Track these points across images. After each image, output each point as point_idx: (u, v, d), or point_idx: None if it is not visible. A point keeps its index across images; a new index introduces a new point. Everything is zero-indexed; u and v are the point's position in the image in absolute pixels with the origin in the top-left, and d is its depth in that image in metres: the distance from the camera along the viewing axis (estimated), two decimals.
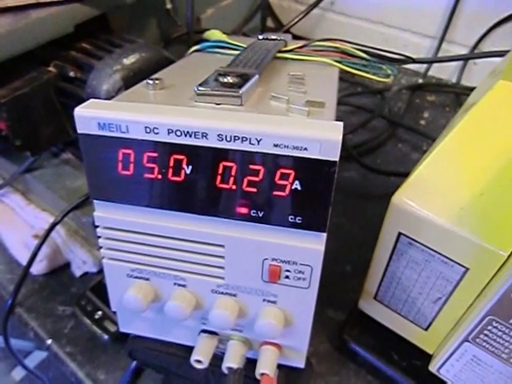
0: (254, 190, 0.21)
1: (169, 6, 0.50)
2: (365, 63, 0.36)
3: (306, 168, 0.19)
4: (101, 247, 0.25)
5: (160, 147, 0.21)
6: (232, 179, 0.21)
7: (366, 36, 0.69)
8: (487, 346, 0.25)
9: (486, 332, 0.24)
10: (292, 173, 0.20)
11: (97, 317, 0.37)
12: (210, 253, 0.23)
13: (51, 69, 0.39)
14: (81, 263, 0.42)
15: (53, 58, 0.40)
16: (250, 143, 0.19)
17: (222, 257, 0.23)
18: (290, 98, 0.23)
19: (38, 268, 0.41)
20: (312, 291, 0.23)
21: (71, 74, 0.39)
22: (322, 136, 0.19)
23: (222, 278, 0.24)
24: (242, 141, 0.19)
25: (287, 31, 0.65)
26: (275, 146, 0.19)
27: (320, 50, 0.36)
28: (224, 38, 0.39)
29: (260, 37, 0.37)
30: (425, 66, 0.64)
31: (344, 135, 0.58)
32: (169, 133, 0.20)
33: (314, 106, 0.23)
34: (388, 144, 0.56)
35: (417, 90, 0.63)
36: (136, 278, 0.26)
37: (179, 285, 0.25)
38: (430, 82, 0.64)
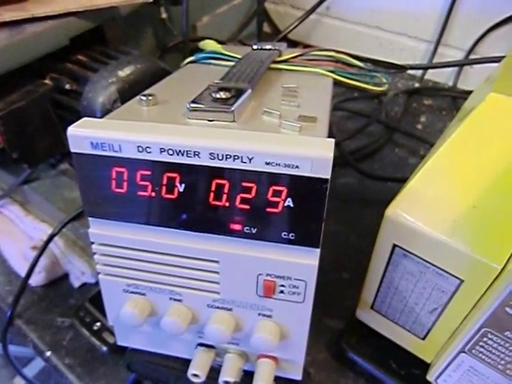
0: (247, 207, 0.21)
1: (164, 15, 0.50)
2: (359, 72, 0.36)
3: (298, 185, 0.19)
4: (97, 263, 0.25)
5: (153, 166, 0.21)
6: (225, 196, 0.21)
7: (362, 41, 0.69)
8: (483, 357, 0.25)
9: (481, 343, 0.24)
10: (284, 190, 0.20)
11: (95, 328, 0.37)
12: (205, 268, 0.23)
13: (47, 81, 0.39)
14: (79, 274, 0.42)
15: (49, 71, 0.40)
16: (242, 161, 0.19)
17: (216, 272, 0.23)
18: (282, 113, 0.23)
19: (36, 279, 0.41)
20: (307, 305, 0.23)
21: (67, 86, 0.39)
22: (313, 154, 0.19)
23: (218, 293, 0.24)
24: (234, 159, 0.19)
25: (284, 37, 0.65)
26: (267, 163, 0.19)
27: (314, 60, 0.36)
28: (219, 48, 0.39)
29: (254, 47, 0.37)
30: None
31: (341, 141, 0.58)
32: (161, 152, 0.20)
33: (306, 121, 0.23)
34: (385, 149, 0.56)
35: (413, 94, 0.63)
36: (132, 293, 0.26)
37: (175, 299, 0.25)
38: (427, 86, 0.64)
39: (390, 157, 0.55)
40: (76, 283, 0.42)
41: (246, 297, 0.24)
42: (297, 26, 0.62)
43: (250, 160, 0.19)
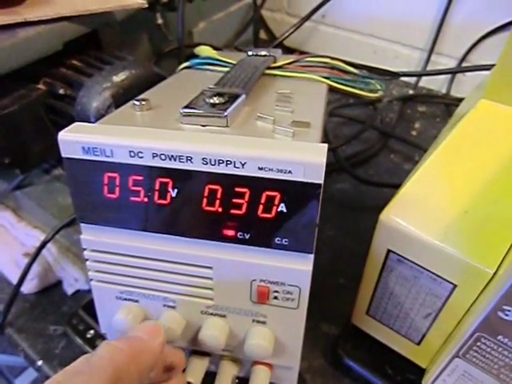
0: (240, 212, 0.21)
1: (160, 21, 0.50)
2: (354, 79, 0.36)
3: (291, 190, 0.19)
4: (89, 270, 0.25)
5: (145, 171, 0.21)
6: (218, 202, 0.21)
7: (356, 48, 0.69)
8: (477, 361, 0.25)
9: (475, 348, 0.24)
10: (277, 195, 0.20)
11: (89, 336, 0.37)
12: (198, 274, 0.23)
13: (41, 86, 0.39)
14: (73, 281, 0.42)
15: (42, 75, 0.40)
16: (235, 166, 0.19)
17: (210, 278, 0.23)
18: (276, 118, 0.23)
19: (28, 287, 0.41)
20: (301, 311, 0.23)
21: (61, 91, 0.39)
22: (305, 159, 0.19)
23: (211, 299, 0.24)
24: (227, 164, 0.19)
25: (280, 43, 0.65)
26: (260, 169, 0.19)
27: (309, 66, 0.37)
28: (214, 54, 0.39)
29: (249, 53, 0.37)
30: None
31: (337, 147, 0.58)
32: (153, 157, 0.20)
33: (300, 126, 0.23)
34: (380, 155, 0.57)
35: (408, 100, 0.63)
36: (125, 299, 0.25)
37: (168, 306, 0.25)
38: (421, 93, 0.64)
39: (386, 163, 0.55)
40: (69, 290, 0.42)
41: (240, 303, 0.24)
42: (292, 32, 0.63)
43: (243, 165, 0.19)
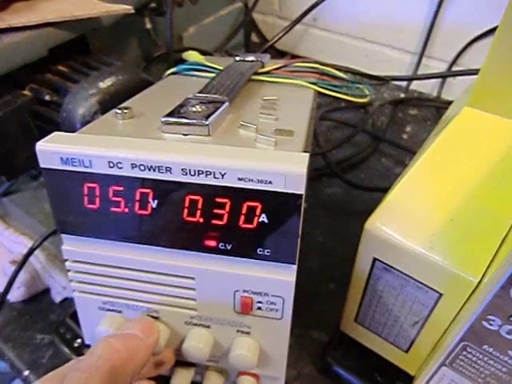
0: (221, 222, 0.20)
1: (148, 25, 0.49)
2: (342, 84, 0.36)
3: (272, 201, 0.19)
4: (71, 280, 0.25)
5: (125, 181, 0.20)
6: (199, 212, 0.20)
7: (348, 51, 0.69)
8: (463, 370, 0.25)
9: (461, 357, 0.24)
10: (258, 206, 0.19)
11: (76, 345, 0.36)
12: (181, 285, 0.23)
13: (26, 92, 0.39)
14: (60, 289, 0.41)
15: (28, 81, 0.39)
16: (215, 177, 0.19)
17: (193, 289, 0.23)
18: (259, 126, 0.23)
19: (15, 295, 0.40)
20: (285, 322, 0.23)
21: (47, 97, 0.38)
22: (286, 169, 0.18)
23: (195, 310, 0.24)
24: (207, 175, 0.19)
25: (271, 46, 0.65)
26: (240, 179, 0.19)
27: (297, 71, 0.36)
28: (201, 59, 0.39)
29: (237, 58, 0.37)
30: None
31: (327, 151, 0.57)
32: (132, 167, 0.20)
33: (283, 134, 0.22)
34: (371, 158, 0.56)
35: (399, 104, 0.63)
36: (108, 310, 0.25)
37: (152, 317, 0.25)
38: (412, 97, 0.64)
39: (377, 166, 0.55)
40: (57, 298, 0.41)
41: (224, 313, 0.23)
42: (283, 36, 0.62)
43: (223, 176, 0.19)
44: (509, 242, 0.21)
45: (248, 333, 0.24)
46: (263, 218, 0.20)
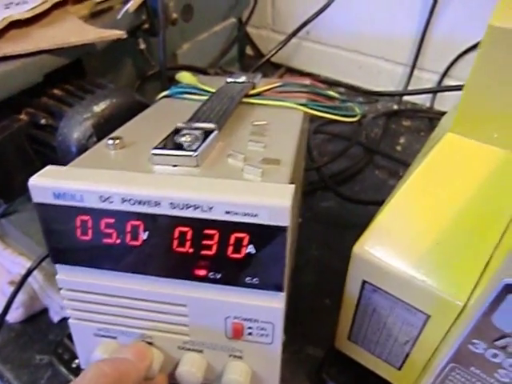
0: (211, 253, 0.21)
1: (142, 46, 0.50)
2: (331, 104, 0.36)
3: (258, 233, 0.20)
4: (66, 308, 0.25)
5: (116, 214, 0.21)
6: (188, 243, 0.21)
7: (342, 64, 0.70)
8: None
9: (450, 378, 0.24)
10: (245, 237, 0.20)
11: (74, 366, 0.37)
12: (173, 312, 0.23)
13: (23, 116, 0.40)
14: (58, 308, 0.42)
15: (24, 106, 0.40)
16: (202, 210, 0.20)
17: (185, 315, 0.23)
18: (247, 155, 0.24)
19: (14, 316, 0.41)
20: (275, 346, 0.23)
21: (43, 121, 0.39)
22: (270, 202, 0.19)
23: (188, 335, 0.24)
24: (194, 208, 0.20)
25: (267, 60, 0.66)
26: (227, 212, 0.19)
27: (288, 92, 0.37)
28: (194, 81, 0.39)
29: (228, 80, 0.37)
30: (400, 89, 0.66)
31: (322, 165, 0.58)
32: (123, 201, 0.20)
33: (270, 163, 0.23)
34: (366, 171, 0.57)
35: (392, 116, 0.64)
36: (103, 336, 0.26)
37: (146, 342, 0.25)
38: (405, 108, 0.65)
39: (371, 179, 0.56)
40: (55, 318, 0.42)
41: (216, 339, 0.24)
42: (277, 51, 0.63)
43: (210, 209, 0.20)
44: (491, 266, 0.21)
45: (240, 357, 0.24)
46: (250, 248, 0.20)
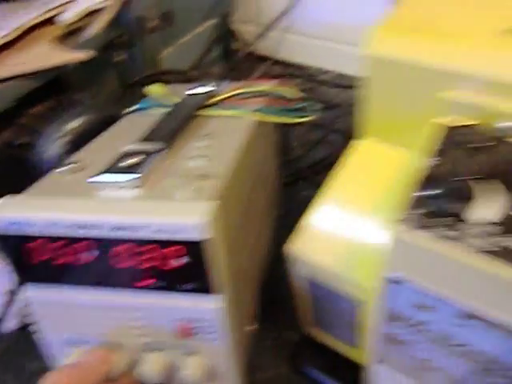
0: (150, 265, 0.24)
1: (117, 58, 0.52)
2: (287, 107, 0.38)
3: (185, 247, 0.22)
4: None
5: (64, 238, 0.24)
6: (132, 259, 0.24)
7: (328, 54, 0.71)
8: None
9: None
10: (176, 250, 0.23)
11: None
12: (131, 317, 0.26)
13: None
14: None
15: (0, 126, 0.43)
16: (134, 231, 0.22)
17: (140, 319, 0.26)
18: (185, 173, 0.26)
19: (10, 325, 0.43)
20: (224, 342, 0.26)
21: (20, 140, 0.42)
22: (190, 221, 0.22)
23: (146, 337, 0.27)
24: (126, 230, 0.22)
25: (251, 53, 0.67)
26: (155, 231, 0.22)
27: (246, 98, 0.39)
28: (162, 93, 0.41)
29: (188, 92, 0.39)
30: None
31: (300, 157, 0.59)
32: (67, 227, 0.23)
33: (203, 179, 0.25)
34: None
35: None
36: (71, 344, 0.28)
37: (114, 345, 0.28)
38: None
39: None
40: None
41: (170, 339, 0.27)
42: (258, 42, 0.64)
43: (140, 230, 0.22)
44: None
45: (194, 353, 0.27)
46: (182, 259, 0.23)
